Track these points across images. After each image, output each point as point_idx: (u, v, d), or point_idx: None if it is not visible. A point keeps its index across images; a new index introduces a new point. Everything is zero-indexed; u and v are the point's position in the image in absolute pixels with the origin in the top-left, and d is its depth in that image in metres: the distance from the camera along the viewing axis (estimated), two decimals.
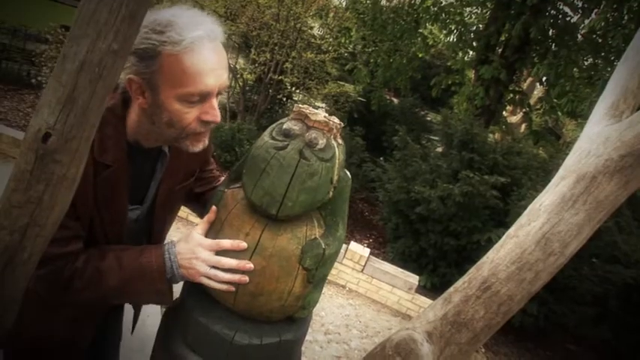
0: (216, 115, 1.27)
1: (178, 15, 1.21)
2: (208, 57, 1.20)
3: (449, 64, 10.77)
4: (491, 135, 9.00)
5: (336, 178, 1.26)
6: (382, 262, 5.78)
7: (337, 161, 1.25)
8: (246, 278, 1.23)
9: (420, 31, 10.84)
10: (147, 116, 1.28)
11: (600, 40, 8.69)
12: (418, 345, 1.35)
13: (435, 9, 9.96)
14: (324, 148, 1.23)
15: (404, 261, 6.59)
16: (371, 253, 5.67)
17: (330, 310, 4.99)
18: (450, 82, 10.25)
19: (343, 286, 5.57)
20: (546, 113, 10.37)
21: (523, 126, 12.34)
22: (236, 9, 9.14)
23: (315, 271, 1.27)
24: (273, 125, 1.29)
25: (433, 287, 6.25)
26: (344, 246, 5.42)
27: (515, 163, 6.55)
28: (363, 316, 5.14)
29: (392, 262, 6.20)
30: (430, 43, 11.58)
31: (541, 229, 1.36)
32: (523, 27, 8.27)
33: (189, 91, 1.20)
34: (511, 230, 1.44)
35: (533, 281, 1.35)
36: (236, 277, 1.24)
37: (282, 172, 1.19)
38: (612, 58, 8.58)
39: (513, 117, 13.17)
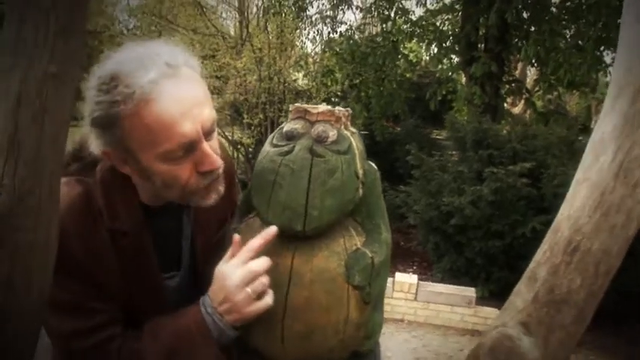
0: (213, 163, 1.05)
1: (122, 61, 1.01)
2: (173, 100, 0.99)
3: (437, 75, 10.70)
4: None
5: (360, 171, 1.07)
6: (433, 284, 5.55)
7: (357, 152, 1.06)
8: None
9: (401, 51, 10.81)
10: (144, 179, 1.10)
11: (574, 6, 8.62)
12: (515, 341, 1.11)
13: (408, 26, 9.95)
14: (337, 140, 1.04)
15: (454, 277, 6.31)
16: (419, 279, 5.42)
17: (396, 349, 4.72)
18: (444, 92, 10.14)
19: (401, 320, 5.32)
20: (547, 92, 10.17)
21: (528, 113, 12.16)
22: (219, 84, 9.23)
23: (369, 287, 1.05)
24: (272, 134, 1.10)
25: (492, 295, 5.97)
26: (390, 279, 5.18)
27: (534, 146, 6.36)
28: (430, 344, 4.88)
29: (442, 281, 5.94)
30: (414, 60, 11.56)
31: (614, 160, 1.13)
32: (498, 15, 8.19)
33: (167, 149, 1.00)
34: (578, 175, 1.20)
35: (627, 224, 1.11)
36: None
37: (296, 179, 0.99)
38: (592, 19, 8.45)
39: (515, 108, 13.00)
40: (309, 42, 11.10)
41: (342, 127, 1.07)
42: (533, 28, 8.86)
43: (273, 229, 1.02)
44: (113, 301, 1.10)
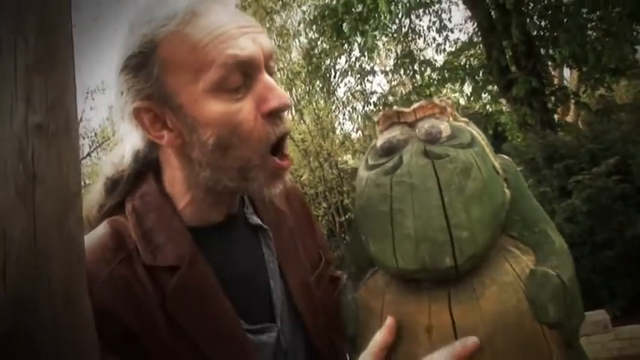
0: (280, 96, 0.80)
1: None
2: (225, 15, 0.80)
3: (480, 111, 10.50)
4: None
5: (497, 165, 0.77)
6: None
7: (484, 142, 0.77)
8: None
9: None
10: (187, 159, 0.83)
11: None
12: None
13: (437, 74, 9.92)
14: (452, 134, 0.75)
15: None
16: None
17: None
18: (494, 125, 9.87)
19: None
20: (595, 87, 9.77)
21: (580, 117, 11.70)
22: None
23: (570, 321, 0.72)
24: (363, 159, 0.83)
25: (626, 311, 5.33)
26: None
27: (609, 140, 5.96)
28: None
29: None
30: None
31: None
32: (520, 31, 8.06)
33: (220, 72, 0.76)
34: None
35: None
36: None
37: (421, 195, 0.70)
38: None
39: (567, 117, 12.54)
40: (348, 120, 11.15)
41: (452, 118, 0.79)
42: (556, 33, 8.68)
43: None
44: None
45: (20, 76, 0.46)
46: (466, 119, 0.82)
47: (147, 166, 0.89)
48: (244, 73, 0.78)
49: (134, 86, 0.80)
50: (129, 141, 0.88)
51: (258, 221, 0.94)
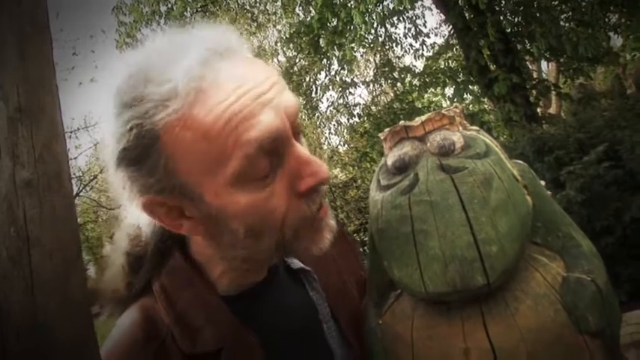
0: (317, 172, 0.68)
1: (149, 56, 0.68)
2: (236, 81, 0.65)
3: (464, 113, 10.56)
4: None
5: (516, 172, 0.73)
6: None
7: (498, 149, 0.73)
8: None
9: (418, 108, 10.73)
10: (215, 240, 0.74)
11: None
12: None
13: (417, 80, 9.95)
14: (467, 144, 0.72)
15: None
16: None
17: None
18: (479, 124, 9.90)
19: None
20: (575, 77, 9.86)
21: (563, 108, 11.81)
22: None
23: (610, 327, 0.68)
24: (374, 178, 0.78)
25: (631, 295, 5.29)
26: None
27: (594, 128, 5.97)
28: None
29: None
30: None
31: None
32: (495, 30, 8.12)
33: (242, 163, 0.64)
34: None
35: None
36: None
37: (444, 212, 0.65)
38: None
39: (550, 109, 12.62)
40: (334, 135, 11.14)
41: (462, 127, 0.75)
42: (531, 27, 8.75)
43: None
44: None
45: (2, 128, 0.41)
46: (477, 127, 0.78)
47: (171, 238, 0.79)
48: (271, 154, 0.66)
49: (138, 181, 0.68)
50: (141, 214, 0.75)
51: (300, 264, 0.86)
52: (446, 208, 0.65)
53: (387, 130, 0.77)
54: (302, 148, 0.69)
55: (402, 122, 0.75)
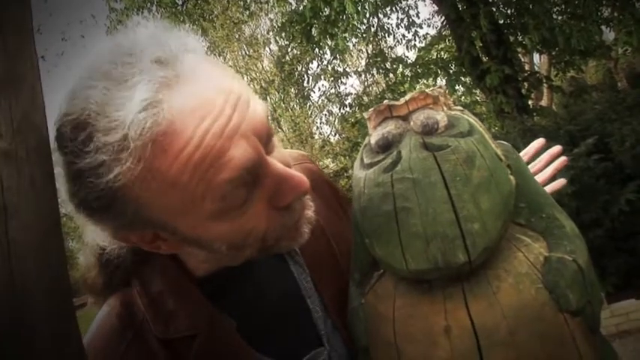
0: (297, 185, 0.67)
1: (85, 87, 0.60)
2: (195, 115, 0.58)
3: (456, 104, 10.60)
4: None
5: (499, 151, 0.73)
6: None
7: (482, 129, 0.74)
8: None
9: None
10: (197, 248, 0.72)
11: None
12: None
13: (409, 70, 9.93)
14: (450, 123, 0.72)
15: None
16: None
17: None
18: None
19: None
20: (566, 70, 9.87)
21: (554, 101, 11.85)
22: None
23: (591, 306, 0.69)
24: (357, 158, 0.78)
25: (619, 287, 5.34)
26: None
27: (585, 121, 6.01)
28: None
29: None
30: None
31: None
32: (488, 21, 8.11)
33: (216, 203, 0.61)
34: None
35: None
36: None
37: (426, 190, 0.65)
38: None
39: (541, 101, 12.66)
40: (325, 124, 11.15)
41: (447, 107, 0.75)
42: (524, 19, 8.75)
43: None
44: None
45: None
46: (461, 107, 0.78)
47: None
48: (249, 184, 0.63)
49: (104, 223, 0.65)
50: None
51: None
52: (428, 185, 0.65)
53: (371, 109, 0.77)
54: (278, 165, 0.66)
55: (386, 101, 0.75)
